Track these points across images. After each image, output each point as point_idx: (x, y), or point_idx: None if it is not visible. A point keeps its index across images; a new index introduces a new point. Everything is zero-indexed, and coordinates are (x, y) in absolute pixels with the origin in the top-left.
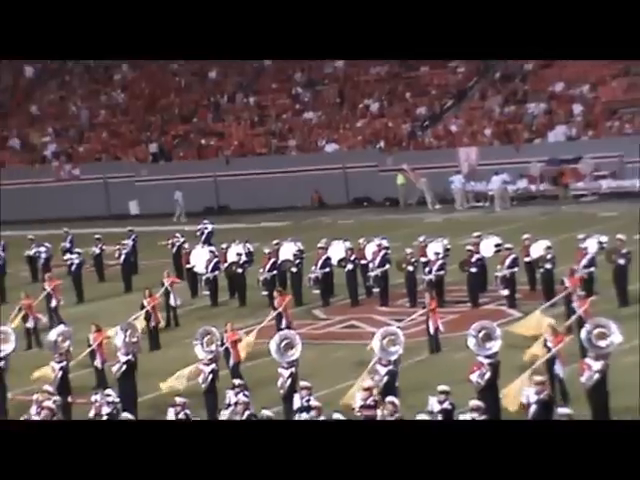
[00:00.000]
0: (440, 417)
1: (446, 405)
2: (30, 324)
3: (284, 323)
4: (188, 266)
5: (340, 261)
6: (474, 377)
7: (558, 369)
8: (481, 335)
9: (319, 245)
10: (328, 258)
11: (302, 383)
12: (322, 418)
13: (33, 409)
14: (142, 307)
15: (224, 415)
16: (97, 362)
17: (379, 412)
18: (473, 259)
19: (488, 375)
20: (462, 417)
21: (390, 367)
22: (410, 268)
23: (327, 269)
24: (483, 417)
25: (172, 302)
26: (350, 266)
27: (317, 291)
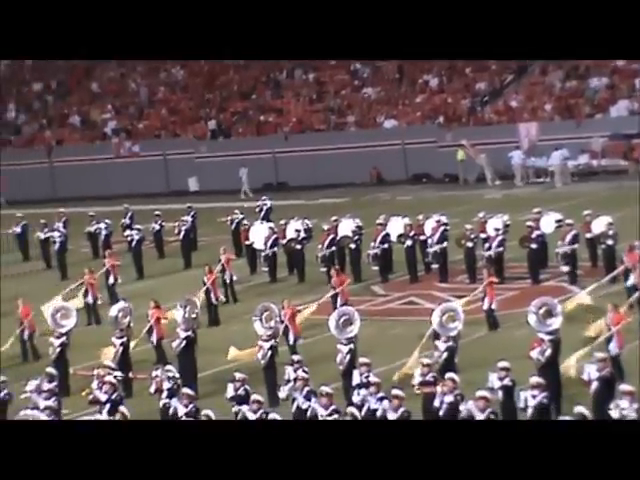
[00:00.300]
0: (500, 394)
1: (506, 382)
2: (90, 300)
3: (340, 303)
4: (247, 242)
5: (399, 237)
6: (534, 354)
7: (612, 347)
8: (542, 312)
9: (378, 221)
10: (387, 234)
11: (361, 359)
12: (332, 417)
13: (95, 384)
14: (204, 283)
15: (283, 391)
16: (153, 338)
17: (438, 389)
18: (533, 235)
19: (549, 352)
20: (522, 394)
21: (450, 343)
22: (469, 244)
23: (386, 245)
24: (544, 394)
25: (227, 278)
26: (409, 242)
27: (376, 267)
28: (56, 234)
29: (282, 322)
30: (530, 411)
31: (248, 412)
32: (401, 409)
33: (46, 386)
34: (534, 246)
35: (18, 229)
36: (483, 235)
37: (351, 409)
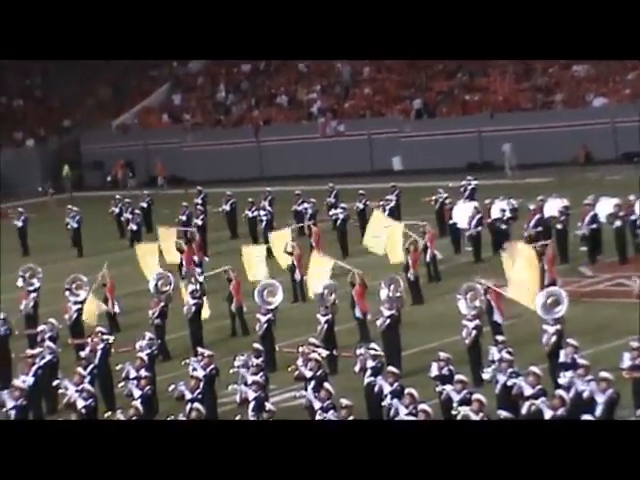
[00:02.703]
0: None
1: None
2: (297, 277)
3: (547, 282)
4: (451, 222)
5: (608, 218)
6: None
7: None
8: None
9: (585, 201)
10: (595, 215)
11: (568, 340)
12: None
13: (300, 361)
14: (406, 262)
15: (487, 373)
16: (357, 313)
17: None
18: None
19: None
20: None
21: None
22: None
23: (594, 226)
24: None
25: (427, 258)
26: (618, 223)
27: (584, 248)
28: (262, 212)
29: (487, 301)
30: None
31: (452, 392)
32: (609, 390)
33: (254, 361)
34: None
35: (227, 207)
36: None
37: (558, 391)
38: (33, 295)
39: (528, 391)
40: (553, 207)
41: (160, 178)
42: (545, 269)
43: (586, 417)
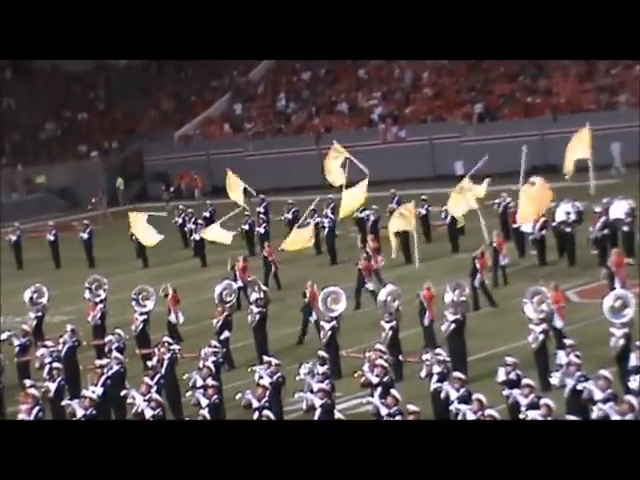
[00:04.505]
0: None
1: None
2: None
3: (618, 284)
4: (515, 226)
5: None
6: None
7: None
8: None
9: None
10: None
11: (638, 343)
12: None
13: (366, 367)
14: (474, 267)
15: (555, 377)
16: (426, 320)
17: None
18: None
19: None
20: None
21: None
22: None
23: None
24: None
25: (501, 262)
26: None
27: None
28: (326, 220)
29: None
30: None
31: (519, 396)
32: None
33: (319, 369)
34: None
35: (289, 215)
36: None
37: (628, 397)
38: (100, 306)
39: (598, 395)
40: (619, 209)
41: (197, 191)
42: (613, 272)
43: None
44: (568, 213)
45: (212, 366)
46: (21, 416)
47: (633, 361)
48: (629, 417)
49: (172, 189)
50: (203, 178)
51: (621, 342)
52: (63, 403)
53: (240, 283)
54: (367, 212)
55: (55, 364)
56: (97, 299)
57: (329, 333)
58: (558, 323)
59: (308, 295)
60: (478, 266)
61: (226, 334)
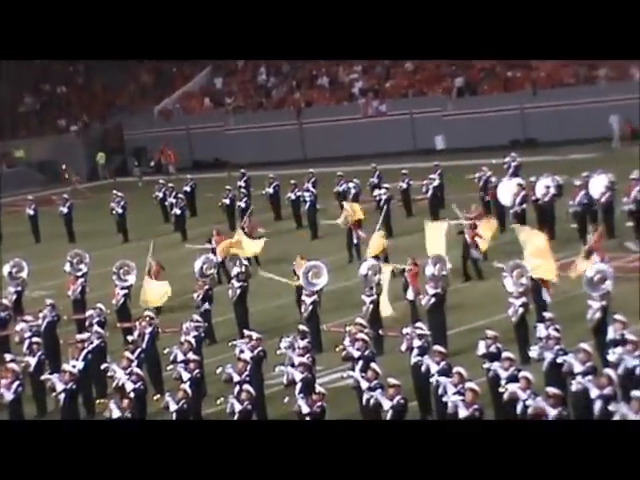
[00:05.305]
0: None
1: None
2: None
3: (597, 260)
4: (494, 199)
5: None
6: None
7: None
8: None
9: (632, 176)
10: None
11: (616, 316)
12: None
13: (347, 341)
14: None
15: (534, 350)
16: (409, 294)
17: None
18: None
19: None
20: None
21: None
22: None
23: None
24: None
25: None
26: None
27: (630, 224)
28: (306, 194)
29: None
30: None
31: (499, 369)
32: None
33: (300, 343)
34: None
35: (270, 190)
36: None
37: (606, 370)
38: (81, 280)
39: (578, 368)
40: (599, 183)
41: (171, 166)
42: (592, 247)
43: (637, 393)
44: (548, 187)
45: (193, 340)
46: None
47: (610, 334)
48: (607, 390)
49: (152, 164)
50: (179, 153)
51: (598, 315)
52: (43, 377)
53: (219, 258)
54: (348, 185)
55: (35, 339)
56: (78, 273)
57: (310, 307)
58: (546, 297)
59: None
60: (469, 241)
61: (207, 307)
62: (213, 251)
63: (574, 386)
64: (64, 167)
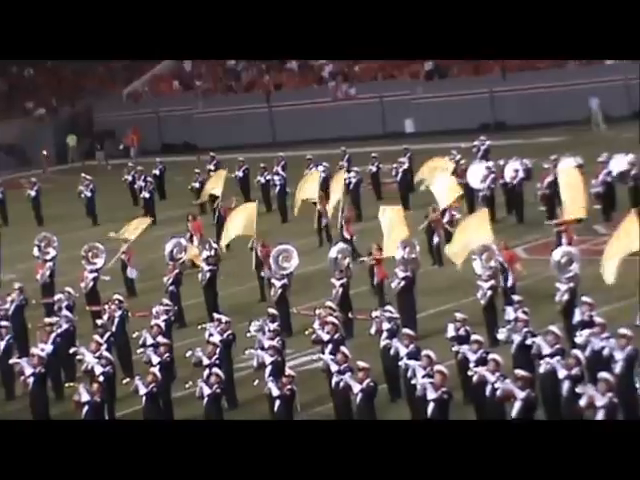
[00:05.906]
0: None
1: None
2: None
3: (565, 242)
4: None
5: (621, 175)
6: None
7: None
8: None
9: (599, 159)
10: (609, 172)
11: (583, 298)
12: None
13: (316, 324)
14: (429, 224)
15: (502, 333)
16: (375, 280)
17: None
18: None
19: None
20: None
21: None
22: None
23: (609, 179)
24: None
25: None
26: (631, 183)
27: (598, 206)
28: (276, 178)
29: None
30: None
31: (468, 352)
32: (629, 347)
33: (270, 326)
34: None
35: (240, 173)
36: None
37: (574, 351)
38: (49, 264)
39: (546, 350)
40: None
41: (133, 149)
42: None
43: (604, 375)
44: (517, 170)
45: (163, 324)
46: None
47: (578, 316)
48: (575, 371)
49: (121, 147)
50: (147, 136)
51: (566, 297)
52: (11, 361)
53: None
54: (317, 168)
55: (3, 322)
56: (46, 257)
57: (279, 291)
58: (511, 279)
59: (260, 252)
60: (433, 224)
61: (176, 290)
62: (190, 237)
63: (542, 367)
64: (44, 153)
